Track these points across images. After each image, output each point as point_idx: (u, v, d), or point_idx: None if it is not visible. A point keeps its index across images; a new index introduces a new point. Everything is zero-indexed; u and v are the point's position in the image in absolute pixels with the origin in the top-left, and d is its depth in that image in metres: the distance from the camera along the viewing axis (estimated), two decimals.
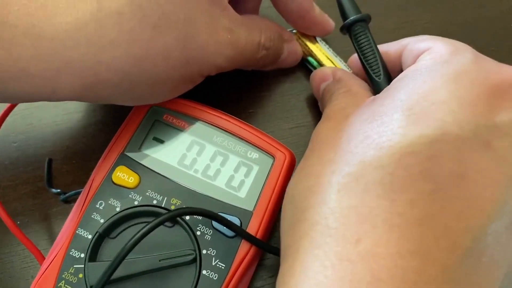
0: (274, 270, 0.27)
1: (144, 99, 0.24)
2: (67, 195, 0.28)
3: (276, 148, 0.25)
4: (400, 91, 0.19)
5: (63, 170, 0.29)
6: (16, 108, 0.30)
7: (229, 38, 0.24)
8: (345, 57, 0.30)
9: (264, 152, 0.25)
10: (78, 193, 0.27)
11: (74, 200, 0.28)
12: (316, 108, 0.31)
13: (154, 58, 0.21)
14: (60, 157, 0.29)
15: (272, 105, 0.31)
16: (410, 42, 0.24)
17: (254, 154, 0.25)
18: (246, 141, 0.25)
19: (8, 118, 0.29)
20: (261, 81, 0.31)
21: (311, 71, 0.31)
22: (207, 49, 0.23)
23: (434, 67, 0.19)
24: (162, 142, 0.25)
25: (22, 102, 0.22)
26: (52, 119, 0.30)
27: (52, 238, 0.27)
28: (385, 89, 0.21)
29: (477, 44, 0.32)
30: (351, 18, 0.25)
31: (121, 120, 0.26)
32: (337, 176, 0.18)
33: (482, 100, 0.18)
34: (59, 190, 0.28)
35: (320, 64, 0.30)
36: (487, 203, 0.17)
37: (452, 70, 0.19)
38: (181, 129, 0.25)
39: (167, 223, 0.23)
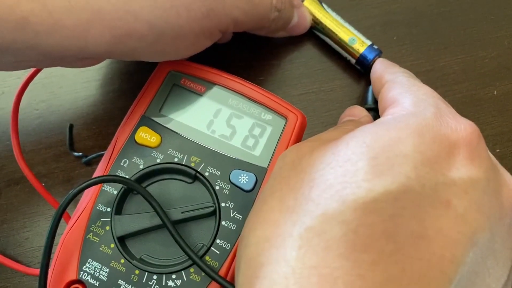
0: None
1: (167, 53, 0.25)
2: (88, 158, 0.29)
3: (288, 109, 0.26)
4: (366, 134, 0.19)
5: (84, 135, 0.30)
6: (36, 77, 0.31)
7: None
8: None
9: (277, 113, 0.26)
10: (99, 156, 0.28)
11: (95, 163, 0.30)
12: (324, 76, 0.32)
13: (178, 9, 0.22)
14: (81, 123, 0.31)
15: (281, 72, 0.32)
16: (382, 90, 0.25)
17: (268, 116, 0.27)
18: (259, 103, 0.27)
19: (30, 87, 0.31)
20: (270, 49, 0.33)
21: (319, 40, 0.32)
22: (225, 1, 0.24)
23: (399, 118, 0.20)
24: (180, 105, 0.27)
25: (54, 62, 0.23)
26: (71, 87, 0.31)
27: (75, 198, 0.29)
28: (356, 130, 0.20)
29: (477, 13, 0.34)
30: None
31: (138, 87, 0.27)
32: (298, 229, 0.17)
33: (441, 158, 0.18)
34: (80, 154, 0.30)
35: (330, 31, 0.31)
36: (447, 264, 0.17)
37: (416, 122, 0.19)
38: (198, 93, 0.27)
39: (187, 179, 0.25)
